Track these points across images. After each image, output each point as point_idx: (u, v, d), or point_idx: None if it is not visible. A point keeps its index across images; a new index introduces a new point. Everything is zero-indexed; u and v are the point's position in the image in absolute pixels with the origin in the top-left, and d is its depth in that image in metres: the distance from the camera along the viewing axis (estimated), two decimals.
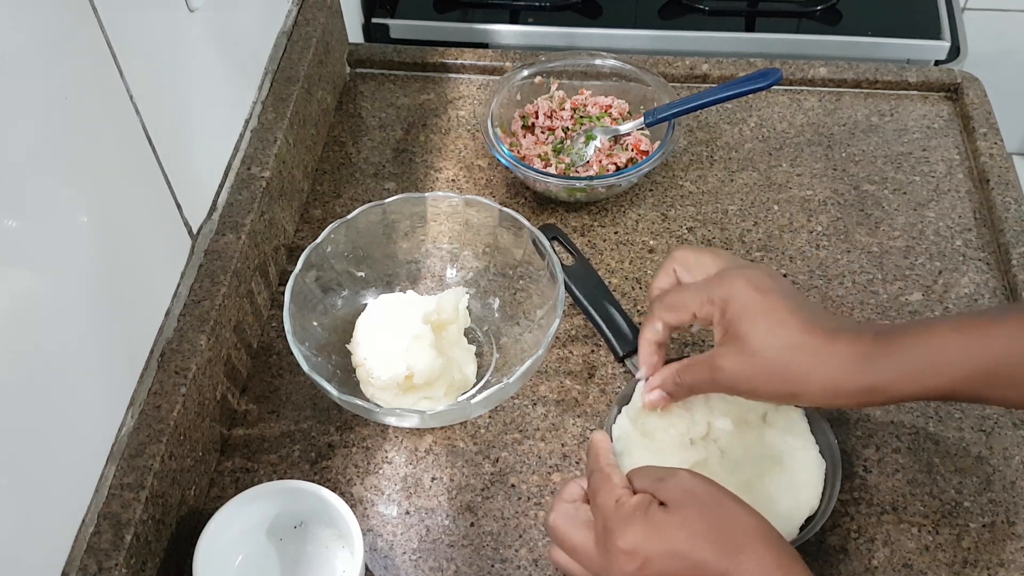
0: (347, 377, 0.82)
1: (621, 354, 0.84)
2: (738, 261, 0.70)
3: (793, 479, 0.72)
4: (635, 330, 0.85)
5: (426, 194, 0.86)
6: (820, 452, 0.74)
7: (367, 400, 0.79)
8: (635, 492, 0.60)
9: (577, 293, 0.86)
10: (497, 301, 0.88)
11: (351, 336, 0.82)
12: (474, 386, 0.83)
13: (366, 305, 0.84)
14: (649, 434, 0.74)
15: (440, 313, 0.82)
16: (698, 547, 0.55)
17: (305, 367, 0.75)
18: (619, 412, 0.78)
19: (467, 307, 0.84)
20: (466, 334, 0.85)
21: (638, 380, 0.74)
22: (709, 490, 0.58)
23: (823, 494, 0.73)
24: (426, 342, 0.78)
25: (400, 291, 0.87)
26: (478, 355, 0.85)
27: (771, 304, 0.63)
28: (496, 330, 0.87)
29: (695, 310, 0.67)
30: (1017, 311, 0.64)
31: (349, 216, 0.84)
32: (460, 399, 0.82)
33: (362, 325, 0.82)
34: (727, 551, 0.55)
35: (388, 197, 0.85)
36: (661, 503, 0.58)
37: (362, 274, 0.87)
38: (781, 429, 0.75)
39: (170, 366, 0.74)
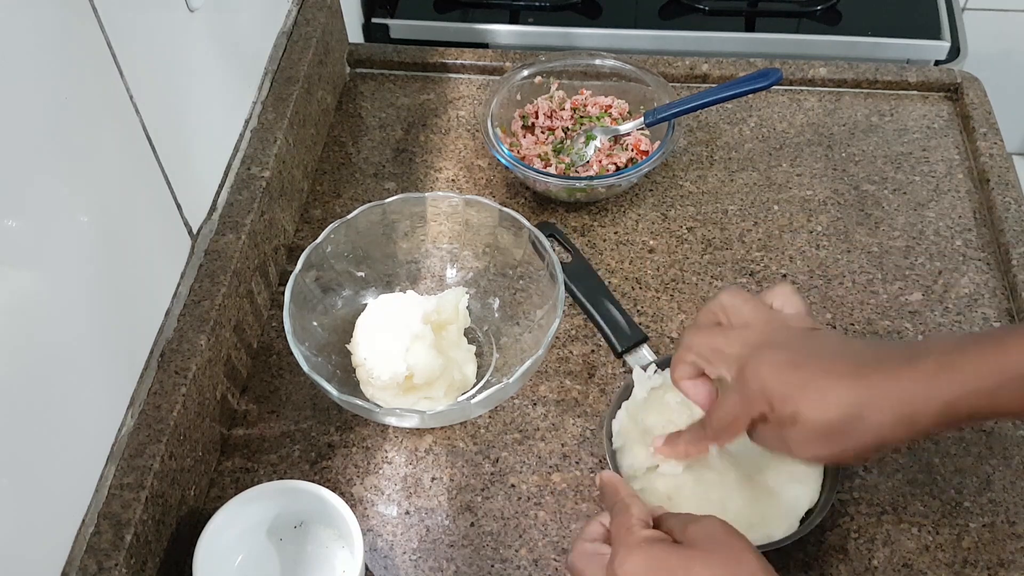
0: (347, 377, 0.82)
1: (620, 350, 0.84)
2: (762, 330, 0.64)
3: (793, 471, 0.72)
4: (633, 326, 0.86)
5: (426, 194, 0.86)
6: None
7: (367, 400, 0.79)
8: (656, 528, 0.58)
9: (575, 290, 0.86)
10: (497, 301, 0.88)
11: (351, 336, 0.82)
12: (474, 386, 0.83)
13: (366, 305, 0.84)
14: (649, 430, 0.74)
15: (440, 313, 0.82)
16: None
17: (305, 367, 0.75)
18: (619, 407, 0.78)
19: (467, 307, 0.84)
20: (466, 334, 0.85)
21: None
22: (730, 539, 0.55)
23: (823, 486, 0.73)
24: (426, 342, 0.78)
25: (400, 291, 0.87)
26: (478, 355, 0.85)
27: (810, 373, 0.59)
28: (496, 330, 0.87)
29: (746, 422, 0.63)
30: None
31: (349, 216, 0.84)
32: (460, 399, 0.82)
33: (362, 325, 0.82)
34: None
35: (388, 197, 0.85)
36: (676, 542, 0.56)
37: (362, 274, 0.87)
38: None
39: (170, 366, 0.74)
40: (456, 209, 0.87)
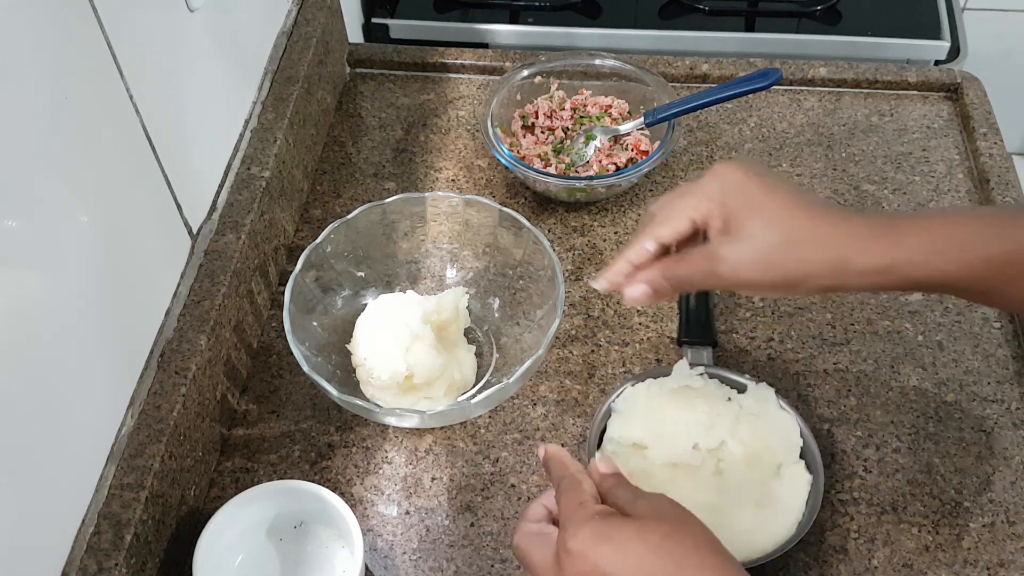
0: (347, 377, 0.82)
1: (683, 339, 0.85)
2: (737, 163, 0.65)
3: (772, 517, 0.72)
4: (710, 328, 0.86)
5: (426, 194, 0.86)
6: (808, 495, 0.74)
7: (367, 400, 0.79)
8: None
9: None
10: (497, 301, 0.88)
11: (351, 336, 0.82)
12: (474, 386, 0.83)
13: (366, 305, 0.84)
14: (656, 410, 0.74)
15: (440, 313, 0.82)
16: (647, 560, 0.53)
17: (305, 367, 0.75)
18: (632, 386, 0.79)
19: (467, 307, 0.84)
20: (466, 334, 0.85)
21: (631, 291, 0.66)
22: (679, 510, 0.56)
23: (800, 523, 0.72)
24: (426, 342, 0.78)
25: (400, 291, 0.87)
26: (478, 355, 0.85)
27: (772, 188, 0.61)
28: (496, 330, 0.87)
29: (691, 214, 0.62)
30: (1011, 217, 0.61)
31: (349, 216, 0.84)
32: (460, 399, 0.82)
33: (362, 325, 0.82)
34: (678, 570, 0.52)
35: (388, 197, 0.85)
36: (627, 516, 0.56)
37: (362, 274, 0.87)
38: (786, 485, 0.74)
39: (170, 366, 0.74)
40: (456, 209, 0.87)
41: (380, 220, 0.86)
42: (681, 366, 0.80)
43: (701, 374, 0.80)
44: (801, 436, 0.76)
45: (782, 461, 0.75)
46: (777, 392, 0.78)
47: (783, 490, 0.73)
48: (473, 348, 0.85)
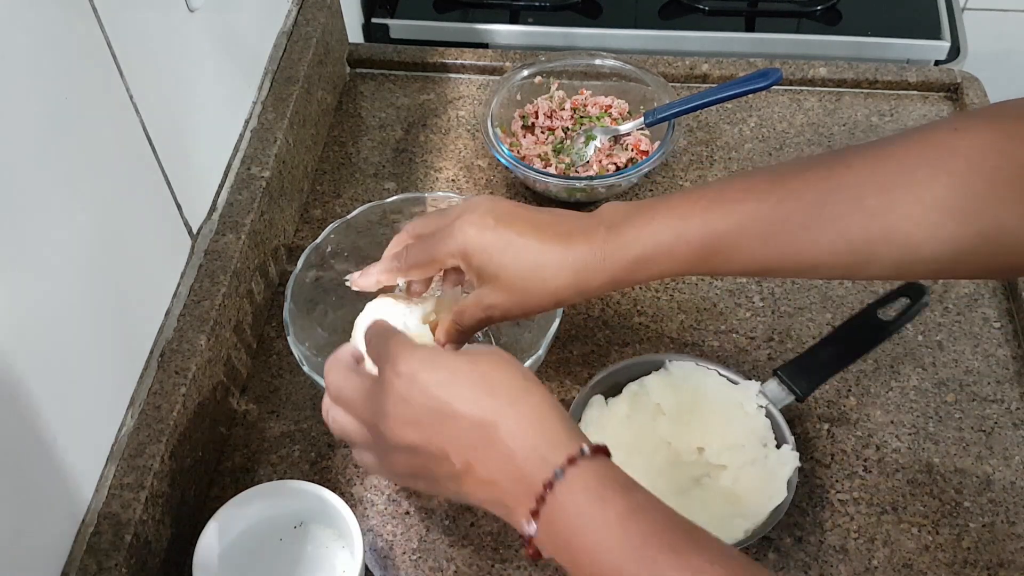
0: None
1: (780, 368, 0.78)
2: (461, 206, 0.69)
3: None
4: (815, 380, 0.78)
5: (426, 194, 0.86)
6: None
7: None
8: None
9: None
10: None
11: (351, 336, 0.82)
12: None
13: (365, 305, 0.84)
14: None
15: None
16: (481, 389, 0.54)
17: (305, 367, 0.75)
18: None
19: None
20: None
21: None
22: (503, 354, 0.57)
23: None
24: (425, 342, 0.78)
25: (399, 291, 0.87)
26: None
27: (505, 236, 0.65)
28: (496, 330, 0.87)
29: (440, 266, 0.69)
30: (734, 186, 0.64)
31: (349, 216, 0.84)
32: None
33: (361, 325, 0.81)
34: (506, 396, 0.54)
35: (388, 197, 0.85)
36: None
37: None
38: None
39: (170, 366, 0.74)
40: None
41: (380, 220, 0.86)
42: (749, 387, 0.77)
43: (762, 406, 0.76)
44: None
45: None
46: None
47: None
48: None
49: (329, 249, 0.84)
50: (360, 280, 0.73)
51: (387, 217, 0.86)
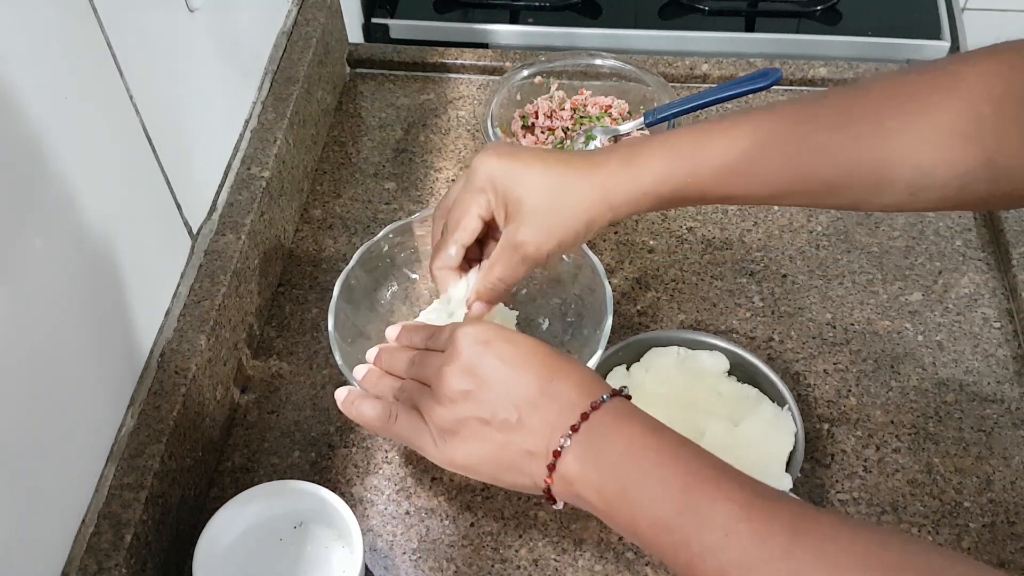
0: None
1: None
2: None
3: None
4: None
5: None
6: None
7: None
8: None
9: None
10: (547, 322, 0.84)
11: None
12: None
13: (419, 312, 0.79)
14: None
15: None
16: (538, 355, 0.58)
17: (339, 360, 0.73)
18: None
19: (515, 326, 0.79)
20: None
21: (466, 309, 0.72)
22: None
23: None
24: None
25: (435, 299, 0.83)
26: None
27: (526, 159, 0.66)
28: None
29: (477, 211, 0.68)
30: (754, 112, 0.66)
31: (403, 221, 0.82)
32: None
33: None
34: (557, 363, 0.57)
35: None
36: None
37: (415, 276, 0.84)
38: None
39: (170, 366, 0.74)
40: None
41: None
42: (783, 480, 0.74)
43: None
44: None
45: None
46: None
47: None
48: None
49: (385, 248, 0.82)
50: (475, 311, 0.71)
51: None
